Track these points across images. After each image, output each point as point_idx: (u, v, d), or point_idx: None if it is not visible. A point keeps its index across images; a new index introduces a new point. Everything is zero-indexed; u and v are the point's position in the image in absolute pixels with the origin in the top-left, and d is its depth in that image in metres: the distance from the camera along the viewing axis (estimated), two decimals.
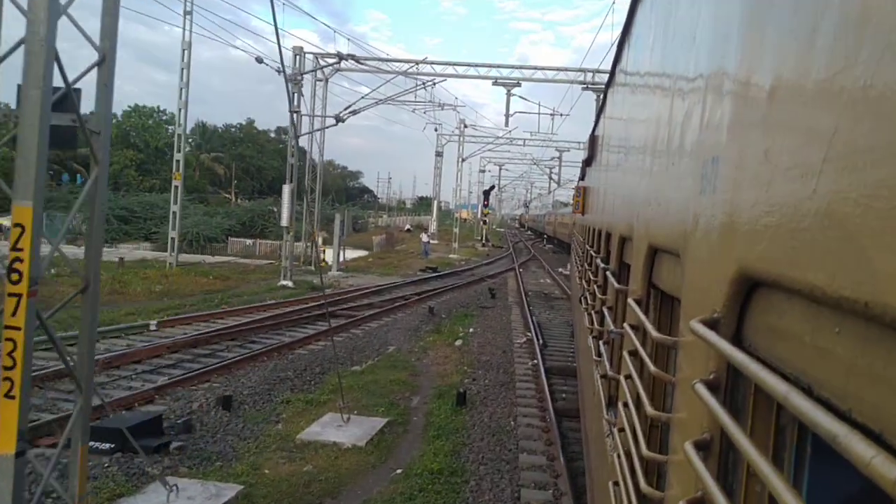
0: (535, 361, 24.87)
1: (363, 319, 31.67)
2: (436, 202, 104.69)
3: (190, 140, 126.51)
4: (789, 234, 1.93)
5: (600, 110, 16.47)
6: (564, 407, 19.32)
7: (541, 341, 28.54)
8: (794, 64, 2.08)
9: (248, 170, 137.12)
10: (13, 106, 8.96)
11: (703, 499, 2.55)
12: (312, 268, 51.70)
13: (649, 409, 4.16)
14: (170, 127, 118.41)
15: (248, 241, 73.39)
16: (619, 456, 5.20)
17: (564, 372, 23.52)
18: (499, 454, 15.82)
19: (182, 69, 42.94)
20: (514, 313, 37.13)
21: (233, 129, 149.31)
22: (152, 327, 26.48)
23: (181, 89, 43.19)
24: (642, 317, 4.80)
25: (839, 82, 1.68)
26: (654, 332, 4.15)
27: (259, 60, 39.69)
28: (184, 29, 42.26)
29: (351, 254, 67.97)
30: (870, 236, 1.46)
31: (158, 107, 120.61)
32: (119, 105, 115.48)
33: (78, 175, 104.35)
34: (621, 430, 5.33)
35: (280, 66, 12.76)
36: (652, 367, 4.23)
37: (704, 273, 2.97)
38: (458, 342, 28.53)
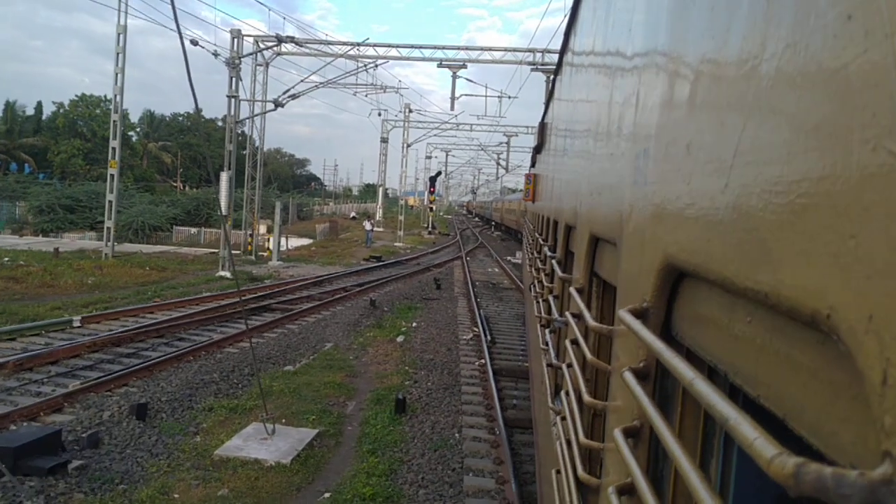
0: (483, 361, 23.29)
1: (300, 313, 29.87)
2: (381, 189, 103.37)
3: (137, 129, 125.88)
4: (706, 226, 2.05)
5: (549, 97, 16.91)
6: (516, 417, 17.73)
7: (489, 338, 26.93)
8: (712, 61, 2.19)
9: (196, 158, 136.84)
10: None
11: (632, 485, 2.55)
12: (253, 258, 50.14)
13: (586, 397, 4.25)
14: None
15: (193, 230, 71.76)
16: (561, 444, 5.38)
17: (515, 373, 21.94)
18: (441, 475, 14.22)
19: (117, 54, 40.74)
20: (460, 305, 35.62)
21: (180, 118, 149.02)
22: (76, 323, 24.55)
23: (116, 74, 40.84)
24: (582, 305, 4.85)
25: (747, 80, 1.79)
26: (591, 321, 4.27)
27: (194, 43, 37.85)
28: (119, 11, 40.22)
29: (295, 242, 67.11)
30: (769, 230, 1.57)
31: (105, 96, 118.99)
32: (68, 95, 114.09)
33: (26, 165, 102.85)
34: (564, 418, 5.45)
35: (178, 35, 10.96)
36: (588, 356, 4.31)
37: (637, 263, 3.05)
38: (400, 338, 26.89)
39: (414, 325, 29.74)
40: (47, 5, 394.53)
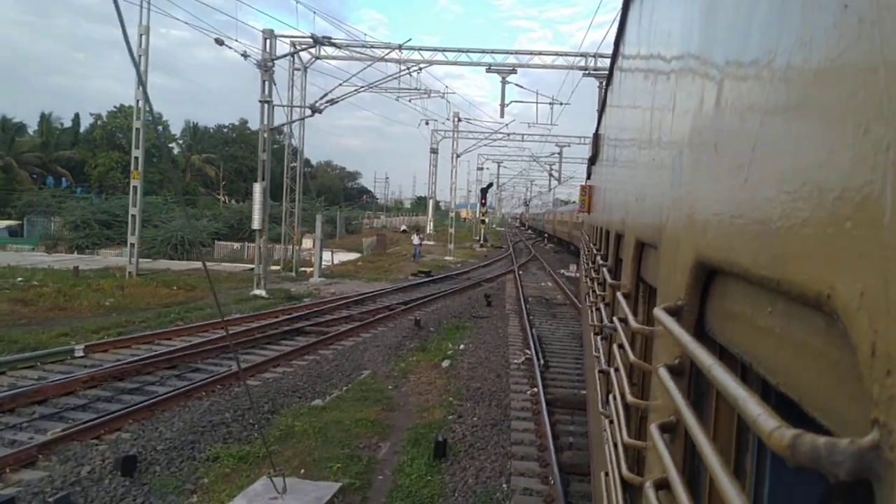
0: (535, 389, 20.56)
1: (337, 336, 27.19)
2: (431, 201, 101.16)
3: (180, 141, 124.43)
4: (730, 220, 2.12)
5: (602, 108, 16.83)
6: (572, 462, 14.95)
7: (541, 361, 24.23)
8: (734, 62, 2.27)
9: (241, 171, 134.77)
10: None
11: (668, 480, 2.48)
12: (293, 274, 47.86)
13: (629, 398, 4.40)
14: (159, 127, 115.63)
15: (236, 245, 69.67)
16: (609, 447, 5.41)
17: (570, 403, 19.19)
18: None
19: (139, 56, 38.50)
20: (511, 324, 32.95)
21: (225, 130, 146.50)
22: (78, 353, 21.84)
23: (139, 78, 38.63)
24: (627, 310, 5.00)
25: (764, 76, 1.85)
26: (633, 323, 4.37)
27: (219, 42, 35.49)
28: (141, 8, 38.00)
29: (343, 256, 65.37)
30: (780, 219, 1.62)
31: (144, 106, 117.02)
32: (107, 106, 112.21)
33: (63, 179, 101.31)
34: (612, 421, 5.44)
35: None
36: (632, 357, 4.50)
37: (673, 263, 3.16)
38: (446, 363, 24.18)
39: (461, 347, 27.03)
40: (89, 17, 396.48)
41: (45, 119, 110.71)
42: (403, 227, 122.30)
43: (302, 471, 13.93)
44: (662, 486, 2.66)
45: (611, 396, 5.83)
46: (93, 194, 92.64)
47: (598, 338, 8.83)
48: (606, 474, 5.48)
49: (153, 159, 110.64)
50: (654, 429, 2.76)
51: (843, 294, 1.24)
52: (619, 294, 5.77)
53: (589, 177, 23.87)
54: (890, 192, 1.10)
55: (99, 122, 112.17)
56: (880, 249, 1.12)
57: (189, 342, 24.49)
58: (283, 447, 14.90)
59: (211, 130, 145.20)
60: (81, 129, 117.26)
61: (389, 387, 20.90)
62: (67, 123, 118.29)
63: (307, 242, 55.80)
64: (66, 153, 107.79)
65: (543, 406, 18.49)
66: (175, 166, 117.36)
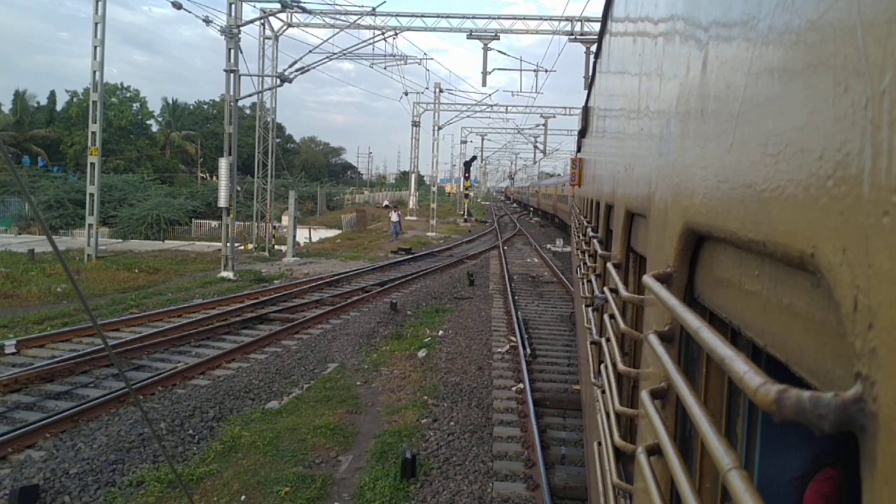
0: (521, 385, 18.22)
1: (303, 324, 24.70)
2: (413, 175, 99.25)
3: (158, 118, 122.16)
4: (716, 186, 2.13)
5: (591, 81, 16.79)
6: (566, 483, 12.64)
7: (528, 350, 21.94)
8: (720, 22, 2.24)
9: (222, 147, 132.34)
10: None
11: (659, 445, 2.54)
12: (266, 254, 45.61)
13: (621, 366, 4.42)
14: (135, 105, 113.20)
15: (214, 223, 67.18)
16: (601, 416, 5.48)
17: (562, 403, 16.95)
18: None
19: (96, 24, 35.89)
20: (495, 305, 30.72)
21: (205, 106, 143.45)
22: (9, 349, 19.23)
23: (95, 48, 35.84)
24: (617, 279, 4.98)
25: (747, 39, 1.86)
26: (624, 292, 4.38)
27: (177, 6, 33.05)
28: None
29: (323, 233, 64.04)
30: (764, 181, 1.64)
31: (122, 83, 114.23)
32: (83, 84, 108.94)
33: (39, 158, 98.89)
34: (604, 391, 5.50)
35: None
36: (622, 325, 4.50)
37: (662, 232, 3.19)
38: (422, 352, 21.86)
39: (440, 333, 24.73)
40: None
41: (18, 97, 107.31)
42: (385, 203, 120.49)
43: (242, 497, 11.66)
44: (654, 451, 2.68)
45: (602, 367, 5.89)
46: (69, 173, 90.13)
47: (590, 309, 8.70)
48: (599, 443, 5.54)
49: (130, 136, 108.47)
50: (645, 395, 2.79)
51: (826, 251, 1.28)
52: (609, 265, 5.80)
53: (579, 150, 23.07)
54: (869, 148, 1.13)
55: (75, 100, 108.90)
56: (860, 206, 1.15)
57: (139, 333, 21.90)
58: (223, 465, 12.67)
59: (191, 107, 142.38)
60: (58, 108, 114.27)
61: (357, 382, 18.66)
62: (43, 102, 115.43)
63: (286, 219, 53.66)
64: (41, 131, 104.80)
65: (531, 407, 16.19)
66: (154, 144, 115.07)
